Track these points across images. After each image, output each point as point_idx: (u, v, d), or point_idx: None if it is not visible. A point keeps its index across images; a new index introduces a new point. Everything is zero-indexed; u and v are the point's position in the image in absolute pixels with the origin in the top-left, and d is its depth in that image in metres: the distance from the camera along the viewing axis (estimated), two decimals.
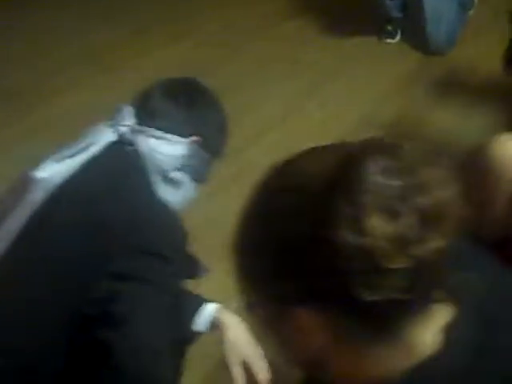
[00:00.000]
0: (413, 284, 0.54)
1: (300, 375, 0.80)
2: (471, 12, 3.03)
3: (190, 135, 1.15)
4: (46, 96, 2.53)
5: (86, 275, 1.01)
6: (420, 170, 0.56)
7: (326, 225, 0.54)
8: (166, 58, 2.83)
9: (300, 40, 2.95)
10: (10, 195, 1.14)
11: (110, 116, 1.17)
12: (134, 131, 1.13)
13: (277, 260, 0.58)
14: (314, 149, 0.63)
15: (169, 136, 1.14)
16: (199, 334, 1.20)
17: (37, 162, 1.14)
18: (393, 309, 0.55)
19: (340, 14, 3.10)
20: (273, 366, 1.17)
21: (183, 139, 1.15)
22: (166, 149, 1.13)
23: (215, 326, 1.18)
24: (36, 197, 1.09)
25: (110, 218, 1.05)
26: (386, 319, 0.56)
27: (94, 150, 1.13)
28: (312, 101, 2.52)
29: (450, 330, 0.58)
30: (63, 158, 1.11)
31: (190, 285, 1.29)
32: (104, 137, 1.14)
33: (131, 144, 1.13)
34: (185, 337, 1.18)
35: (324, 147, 0.62)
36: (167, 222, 1.08)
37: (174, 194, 1.16)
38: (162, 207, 1.10)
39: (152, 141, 1.13)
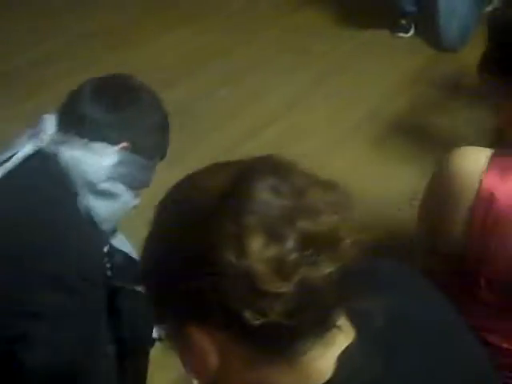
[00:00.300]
0: (299, 309, 0.52)
1: None
2: (488, 9, 2.98)
3: (119, 141, 1.06)
4: (47, 79, 2.52)
5: None
6: (309, 192, 0.55)
7: (210, 243, 0.53)
8: (171, 43, 2.81)
9: (311, 31, 2.92)
10: None
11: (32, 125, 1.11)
12: (56, 142, 1.05)
13: (164, 277, 0.58)
14: (215, 164, 0.62)
15: (95, 145, 1.04)
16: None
17: None
18: (283, 333, 0.53)
19: (353, 6, 3.07)
20: None
21: (111, 147, 1.05)
22: (91, 159, 1.04)
23: None
24: None
25: (21, 249, 0.98)
26: (276, 343, 0.55)
27: (9, 165, 1.03)
28: (318, 93, 2.50)
29: (347, 357, 0.56)
30: None
31: None
32: (23, 149, 1.04)
33: (53, 156, 1.04)
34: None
35: (225, 163, 0.61)
36: (85, 249, 1.00)
37: (110, 206, 1.08)
38: (81, 229, 1.02)
39: (76, 151, 1.04)
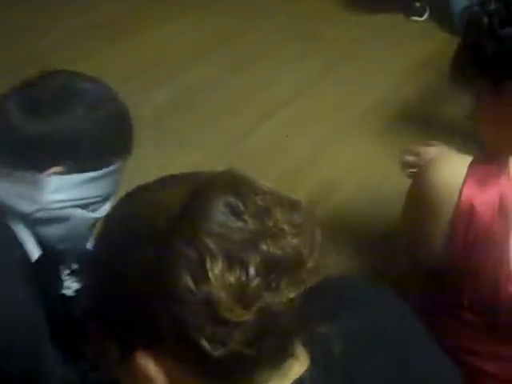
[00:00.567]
0: (259, 337, 0.49)
1: None
2: None
3: (48, 166, 0.92)
4: (61, 65, 2.51)
5: None
6: (271, 213, 0.52)
7: (164, 268, 0.49)
8: (187, 27, 2.78)
9: (319, 16, 2.88)
10: None
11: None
12: None
13: (111, 302, 0.53)
14: (170, 177, 0.58)
15: (20, 174, 0.91)
16: None
17: None
18: (239, 364, 0.50)
19: None
20: None
21: (38, 174, 0.91)
22: (20, 190, 0.91)
23: None
24: None
25: None
26: (232, 375, 0.52)
27: None
28: (326, 80, 2.46)
29: None
30: None
31: None
32: None
33: None
34: None
35: (181, 176, 0.57)
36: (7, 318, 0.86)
37: (60, 229, 0.95)
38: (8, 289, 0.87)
39: (3, 183, 0.91)
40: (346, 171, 2.04)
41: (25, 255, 0.93)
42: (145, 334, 0.52)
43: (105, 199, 0.98)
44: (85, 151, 0.94)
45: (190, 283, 0.48)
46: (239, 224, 0.50)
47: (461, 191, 0.84)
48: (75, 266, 1.06)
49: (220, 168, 0.56)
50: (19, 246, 0.93)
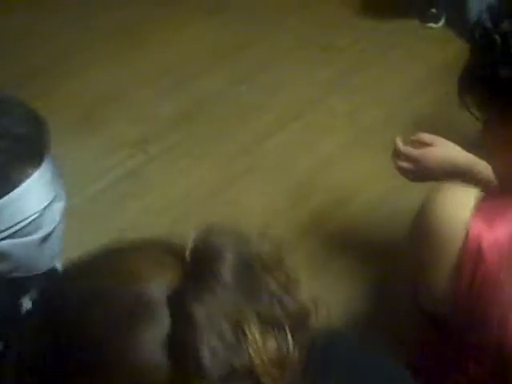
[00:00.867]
0: None
1: None
2: None
3: None
4: (72, 72, 2.53)
5: None
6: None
7: (131, 350, 0.44)
8: (198, 33, 2.78)
9: (333, 22, 2.85)
10: None
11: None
12: None
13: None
14: (150, 244, 0.53)
15: None
16: None
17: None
18: None
19: None
20: None
21: None
22: None
23: None
24: None
25: None
26: None
27: None
28: (338, 90, 2.44)
29: None
30: None
31: None
32: None
33: None
34: None
35: (151, 243, 0.54)
36: None
37: (3, 265, 0.89)
38: None
39: None
40: (357, 184, 2.02)
41: None
42: None
43: (39, 216, 0.89)
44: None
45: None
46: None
47: (467, 229, 0.78)
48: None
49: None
50: None
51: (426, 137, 1.23)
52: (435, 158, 1.21)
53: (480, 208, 0.80)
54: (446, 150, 1.22)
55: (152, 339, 0.45)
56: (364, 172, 2.07)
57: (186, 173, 2.09)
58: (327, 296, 1.76)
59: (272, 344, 0.46)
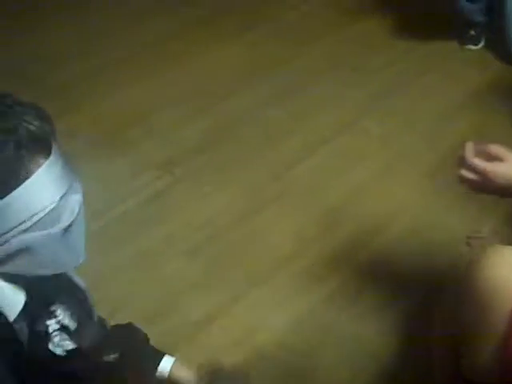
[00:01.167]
0: None
1: None
2: None
3: None
4: (100, 90, 2.53)
5: None
6: None
7: None
8: (227, 53, 2.76)
9: (368, 43, 2.81)
10: None
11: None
12: None
13: None
14: None
15: None
16: None
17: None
18: None
19: (415, 16, 2.93)
20: None
21: None
22: None
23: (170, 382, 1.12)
24: None
25: None
26: None
27: None
28: (371, 114, 2.38)
29: None
30: None
31: None
32: None
33: None
34: None
35: None
36: None
37: (27, 261, 0.92)
38: None
39: None
40: (390, 213, 1.96)
41: None
42: None
43: (54, 208, 0.92)
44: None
45: None
46: None
47: None
48: (65, 321, 1.03)
49: None
50: None
51: (497, 150, 1.14)
52: (504, 174, 1.11)
53: None
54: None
55: None
56: (397, 200, 2.00)
57: (211, 198, 2.05)
58: (355, 328, 1.71)
59: None
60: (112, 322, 1.29)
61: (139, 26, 2.96)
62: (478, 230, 1.74)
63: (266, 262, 1.81)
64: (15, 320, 0.95)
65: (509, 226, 1.84)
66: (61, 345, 1.02)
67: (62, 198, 0.92)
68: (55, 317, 1.02)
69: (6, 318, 0.94)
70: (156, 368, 1.16)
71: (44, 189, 0.90)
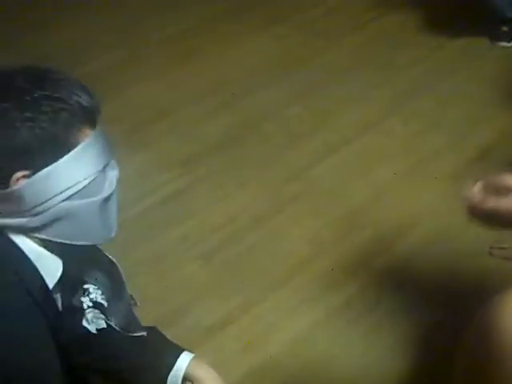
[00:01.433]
0: None
1: None
2: None
3: (12, 172, 0.93)
4: (124, 84, 2.53)
5: None
6: None
7: None
8: (252, 48, 2.74)
9: (395, 39, 2.75)
10: None
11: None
12: None
13: None
14: None
15: None
16: None
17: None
18: None
19: (445, 12, 2.86)
20: None
21: (5, 183, 0.93)
22: (3, 209, 0.94)
23: (188, 380, 1.11)
24: None
25: None
26: None
27: None
28: (396, 113, 2.34)
29: None
30: None
31: None
32: None
33: None
34: None
35: None
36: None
37: (65, 227, 0.97)
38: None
39: None
40: (413, 218, 1.91)
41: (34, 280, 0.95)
42: None
43: (96, 178, 0.98)
44: (37, 146, 0.93)
45: None
46: None
47: None
48: (97, 296, 1.06)
49: None
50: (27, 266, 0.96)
51: (507, 182, 1.06)
52: None
53: None
54: None
55: None
56: (420, 204, 1.96)
57: (230, 199, 2.03)
58: (372, 337, 1.68)
59: None
60: None
61: (164, 22, 2.96)
62: (501, 240, 1.69)
63: (283, 266, 1.79)
64: (53, 289, 1.00)
65: None
66: (94, 322, 1.05)
67: (103, 169, 0.98)
68: (89, 294, 1.06)
69: (46, 284, 0.98)
70: (176, 359, 1.14)
71: (89, 158, 0.97)
